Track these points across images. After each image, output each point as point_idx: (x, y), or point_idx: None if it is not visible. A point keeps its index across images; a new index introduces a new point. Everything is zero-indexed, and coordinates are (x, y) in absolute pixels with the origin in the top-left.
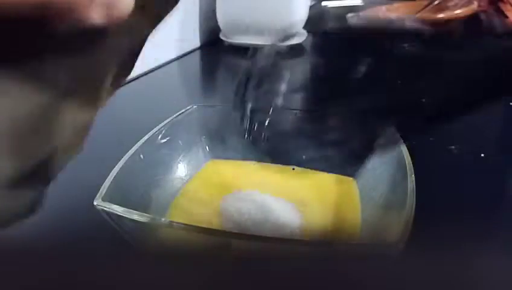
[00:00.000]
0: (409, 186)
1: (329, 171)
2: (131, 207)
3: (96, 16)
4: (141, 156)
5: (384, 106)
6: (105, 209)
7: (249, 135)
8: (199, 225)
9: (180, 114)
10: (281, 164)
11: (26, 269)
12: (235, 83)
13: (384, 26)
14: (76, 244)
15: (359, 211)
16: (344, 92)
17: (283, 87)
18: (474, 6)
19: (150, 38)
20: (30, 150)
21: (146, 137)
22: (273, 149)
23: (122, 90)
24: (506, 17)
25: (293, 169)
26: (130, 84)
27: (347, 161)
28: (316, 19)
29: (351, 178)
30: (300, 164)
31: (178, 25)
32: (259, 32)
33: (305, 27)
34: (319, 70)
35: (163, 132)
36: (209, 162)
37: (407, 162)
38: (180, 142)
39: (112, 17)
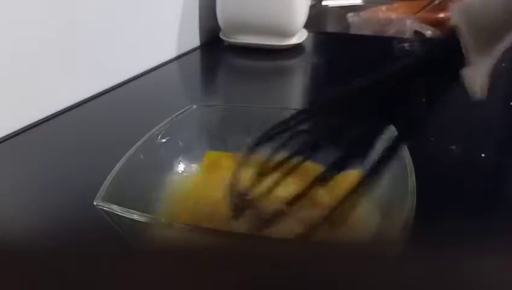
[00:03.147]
0: (409, 187)
1: None
2: (131, 207)
3: None
4: (141, 156)
5: (384, 106)
6: (105, 209)
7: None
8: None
9: (179, 114)
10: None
11: (26, 269)
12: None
13: (384, 26)
14: (76, 244)
15: (359, 211)
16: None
17: None
18: None
19: (150, 37)
20: None
21: (146, 137)
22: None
23: (122, 90)
24: None
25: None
26: (130, 84)
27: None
28: (316, 19)
29: None
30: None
31: (178, 24)
32: (259, 32)
33: (305, 27)
34: (319, 69)
35: (163, 131)
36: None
37: (407, 162)
38: (180, 142)
39: None
